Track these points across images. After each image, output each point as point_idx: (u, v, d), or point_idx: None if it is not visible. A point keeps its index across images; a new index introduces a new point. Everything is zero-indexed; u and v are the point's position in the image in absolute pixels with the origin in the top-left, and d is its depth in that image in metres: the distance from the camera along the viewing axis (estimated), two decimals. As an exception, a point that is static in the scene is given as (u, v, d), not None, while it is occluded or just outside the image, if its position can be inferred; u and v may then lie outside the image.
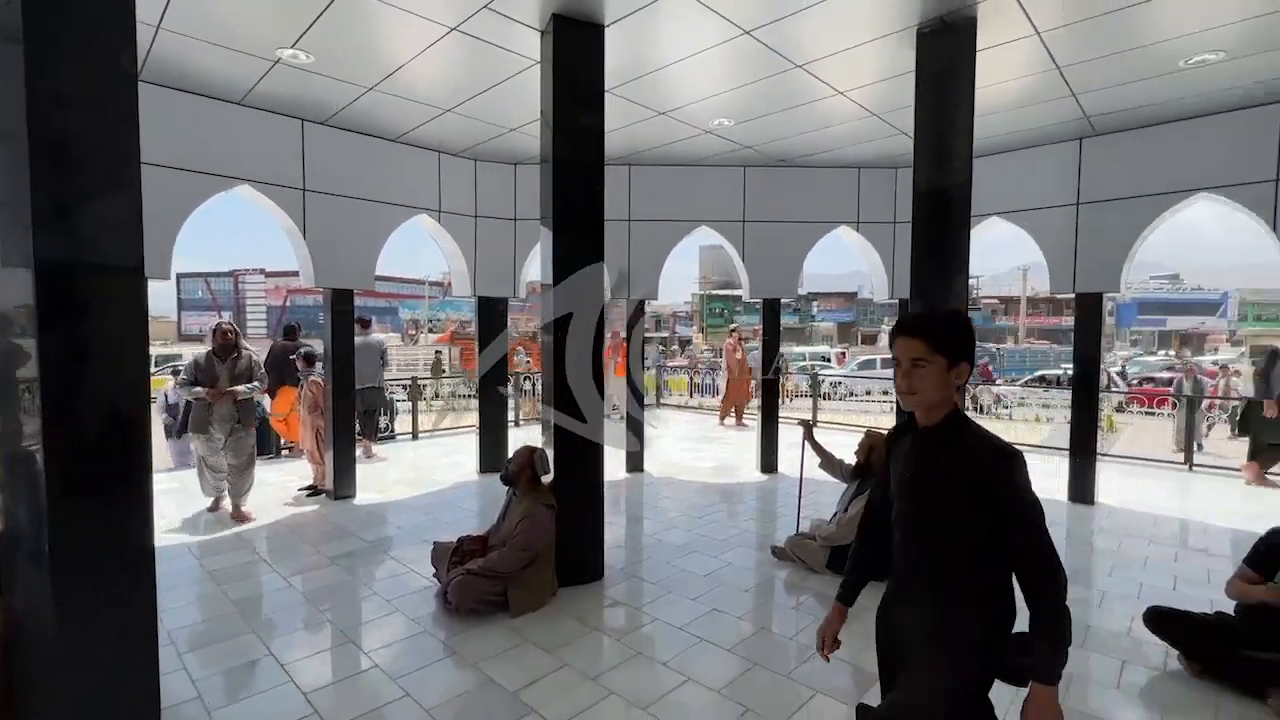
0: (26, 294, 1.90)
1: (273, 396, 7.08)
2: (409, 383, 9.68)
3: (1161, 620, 2.97)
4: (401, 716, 2.57)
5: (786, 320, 39.86)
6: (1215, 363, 14.56)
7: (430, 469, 7.08)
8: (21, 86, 1.85)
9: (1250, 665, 2.68)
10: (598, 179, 3.87)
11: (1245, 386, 12.57)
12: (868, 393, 13.51)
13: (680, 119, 5.19)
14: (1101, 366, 5.79)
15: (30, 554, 2.03)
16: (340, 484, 5.73)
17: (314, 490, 5.89)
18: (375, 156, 5.69)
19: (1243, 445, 6.88)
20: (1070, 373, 6.46)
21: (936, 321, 1.44)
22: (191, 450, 5.55)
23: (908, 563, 1.52)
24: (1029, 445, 8.57)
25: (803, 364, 21.17)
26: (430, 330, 34.39)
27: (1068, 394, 6.48)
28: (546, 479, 3.79)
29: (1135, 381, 17.64)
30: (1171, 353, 24.93)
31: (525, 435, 8.49)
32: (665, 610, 3.55)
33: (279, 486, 6.08)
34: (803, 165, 6.46)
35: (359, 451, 6.52)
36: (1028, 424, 11.03)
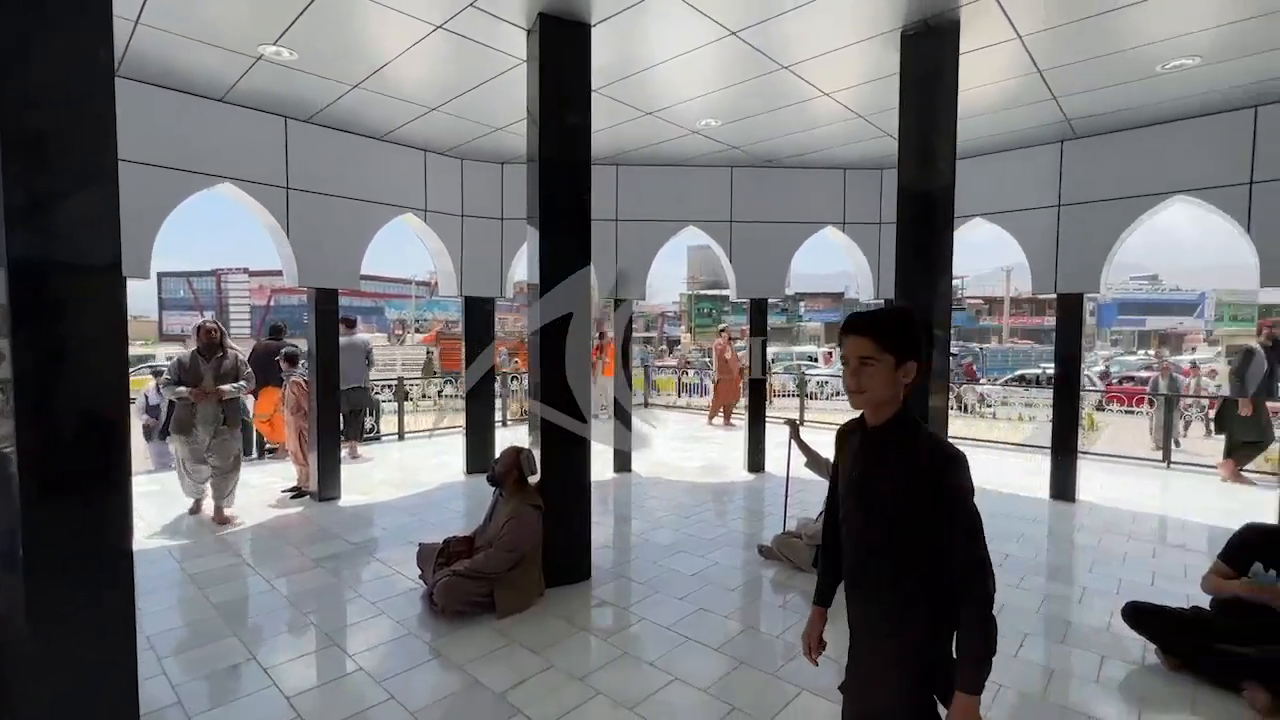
0: (0, 292, 1.86)
1: (256, 397, 6.99)
2: (395, 383, 9.61)
3: (1140, 615, 3.02)
4: (386, 719, 2.55)
5: (774, 320, 40.16)
6: (1193, 362, 14.83)
7: (416, 470, 7.02)
8: (-6, 80, 1.81)
9: (1225, 659, 2.73)
10: (585, 178, 3.86)
11: (1216, 386, 12.81)
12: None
13: (667, 119, 5.20)
14: (1080, 367, 5.87)
15: (4, 555, 2.00)
16: (325, 485, 5.68)
17: (298, 492, 5.82)
18: (360, 155, 5.63)
19: (1219, 443, 7.02)
20: (1049, 372, 6.55)
21: (885, 320, 1.43)
22: (172, 452, 5.46)
23: (857, 561, 1.52)
24: (1012, 444, 8.69)
25: (789, 364, 21.27)
26: (417, 330, 34.16)
27: (1049, 393, 6.56)
28: (533, 479, 3.78)
29: (1115, 380, 17.94)
30: (1151, 352, 25.36)
31: (512, 435, 8.46)
32: (652, 610, 3.55)
33: (262, 488, 6.01)
34: (789, 166, 6.49)
35: (344, 452, 6.46)
36: (1011, 423, 11.17)
